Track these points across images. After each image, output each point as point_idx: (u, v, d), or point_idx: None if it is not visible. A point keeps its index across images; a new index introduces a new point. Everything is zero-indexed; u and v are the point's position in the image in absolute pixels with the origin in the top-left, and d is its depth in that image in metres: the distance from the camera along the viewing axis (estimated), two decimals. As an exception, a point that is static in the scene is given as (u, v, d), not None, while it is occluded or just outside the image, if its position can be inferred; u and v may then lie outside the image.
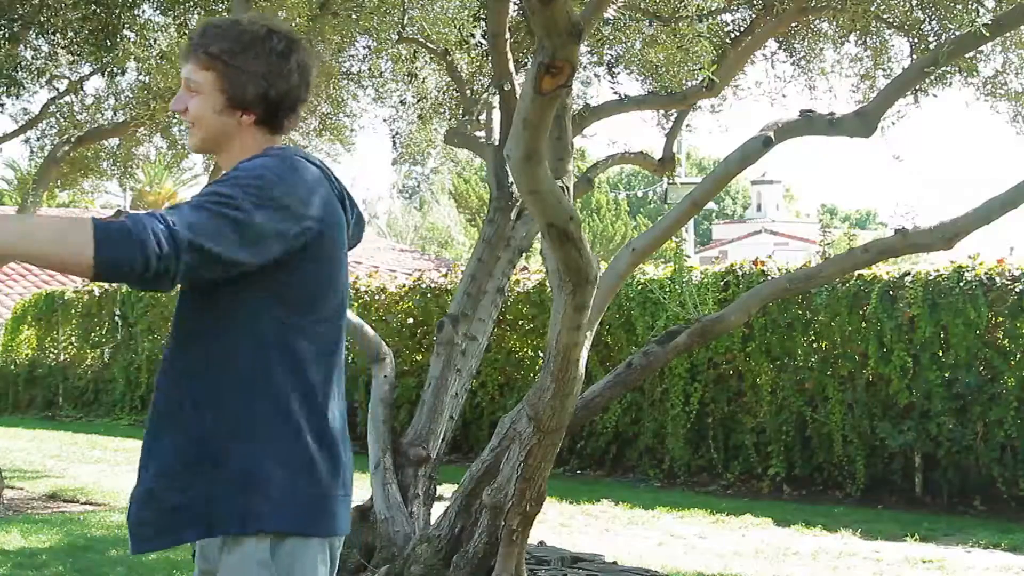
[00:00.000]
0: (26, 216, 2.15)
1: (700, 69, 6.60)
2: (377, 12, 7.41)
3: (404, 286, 12.19)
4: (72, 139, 9.51)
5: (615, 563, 6.28)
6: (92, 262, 1.98)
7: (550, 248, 4.13)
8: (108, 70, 8.59)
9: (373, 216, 43.56)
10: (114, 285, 16.36)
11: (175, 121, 9.49)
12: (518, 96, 4.26)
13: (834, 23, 7.02)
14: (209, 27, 2.35)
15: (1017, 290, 8.69)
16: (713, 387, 10.26)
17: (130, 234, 2.00)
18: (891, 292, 9.20)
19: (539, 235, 5.05)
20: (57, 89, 9.45)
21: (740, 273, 10.14)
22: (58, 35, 7.89)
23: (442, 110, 8.40)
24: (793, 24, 7.09)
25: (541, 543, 6.62)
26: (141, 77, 9.03)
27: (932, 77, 6.47)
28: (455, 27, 6.96)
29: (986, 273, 8.84)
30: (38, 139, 9.78)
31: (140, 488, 2.29)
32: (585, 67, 7.42)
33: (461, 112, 7.64)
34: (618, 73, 7.48)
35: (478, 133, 7.23)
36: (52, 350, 16.87)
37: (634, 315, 10.48)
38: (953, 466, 8.97)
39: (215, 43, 2.31)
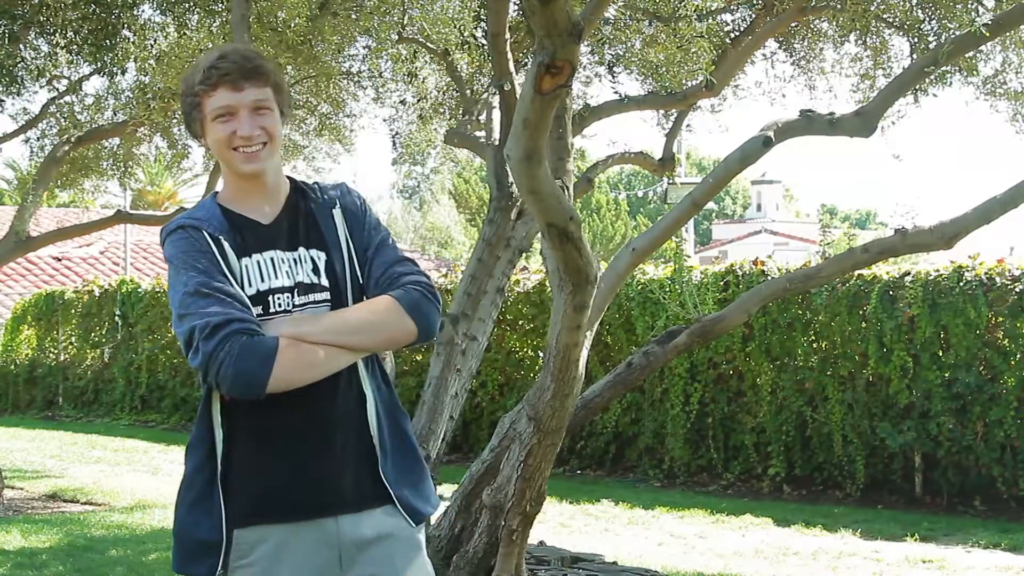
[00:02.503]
0: (336, 316, 2.40)
1: (700, 69, 6.60)
2: (377, 12, 7.40)
3: (404, 286, 12.16)
4: (72, 139, 9.50)
5: (615, 563, 6.28)
6: (416, 331, 2.38)
7: (550, 248, 4.13)
8: (108, 70, 8.57)
9: (373, 216, 43.46)
10: (114, 284, 16.37)
11: (175, 121, 9.47)
12: (518, 96, 4.25)
13: (834, 23, 7.01)
14: (243, 51, 2.46)
15: (1017, 290, 8.69)
16: (713, 387, 10.26)
17: (431, 297, 2.42)
18: (891, 292, 9.20)
19: (539, 235, 5.05)
20: (57, 89, 9.44)
21: (740, 273, 10.14)
22: (58, 35, 7.88)
23: (442, 110, 8.39)
24: (793, 24, 7.09)
25: (541, 543, 6.62)
26: (141, 77, 9.02)
27: (932, 77, 6.47)
28: (455, 27, 6.95)
29: (986, 273, 8.84)
30: (38, 139, 9.77)
31: None
32: (585, 67, 7.42)
33: (461, 112, 7.64)
34: (618, 73, 7.48)
35: (478, 133, 7.23)
36: (52, 350, 16.86)
37: (634, 315, 10.48)
38: (953, 466, 8.97)
39: (264, 63, 2.44)
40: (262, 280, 2.39)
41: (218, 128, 2.41)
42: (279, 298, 2.38)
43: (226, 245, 2.38)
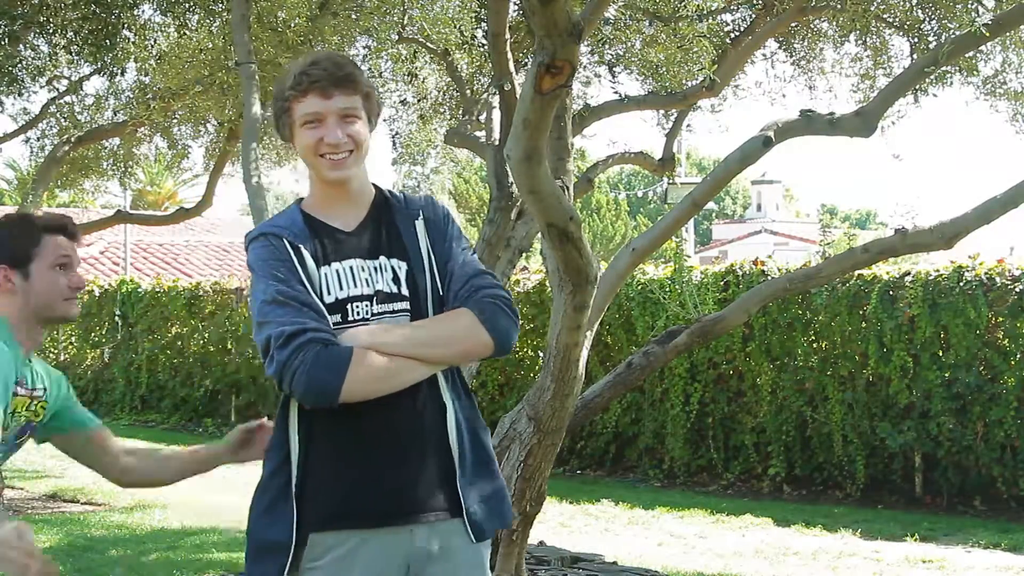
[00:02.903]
0: (413, 327, 2.40)
1: (700, 69, 6.60)
2: (377, 12, 7.40)
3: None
4: (72, 139, 9.51)
5: (615, 563, 6.28)
6: (492, 344, 2.40)
7: (550, 248, 4.13)
8: (108, 70, 8.58)
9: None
10: (114, 284, 16.36)
11: (175, 121, 9.48)
12: (518, 96, 4.25)
13: (834, 23, 7.01)
14: (335, 59, 2.47)
15: (1017, 290, 8.69)
16: (713, 387, 10.26)
17: (509, 311, 2.43)
18: (891, 292, 9.20)
19: (539, 235, 5.05)
20: (57, 89, 9.44)
21: (740, 273, 10.14)
22: (58, 35, 7.88)
23: (442, 110, 8.40)
24: (793, 24, 7.09)
25: (541, 543, 6.62)
26: (141, 77, 9.02)
27: (932, 77, 6.46)
28: (455, 27, 6.95)
29: (986, 273, 8.84)
30: (38, 139, 9.77)
31: None
32: (585, 67, 7.42)
33: (461, 112, 7.64)
34: (618, 73, 7.48)
35: (478, 133, 7.23)
36: (52, 350, 16.86)
37: (634, 315, 10.48)
38: (953, 466, 8.97)
39: (355, 71, 2.46)
40: (341, 288, 2.40)
41: (306, 134, 2.43)
42: (358, 306, 2.39)
43: (306, 253, 2.40)
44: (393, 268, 2.45)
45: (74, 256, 2.77)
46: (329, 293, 2.39)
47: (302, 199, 2.55)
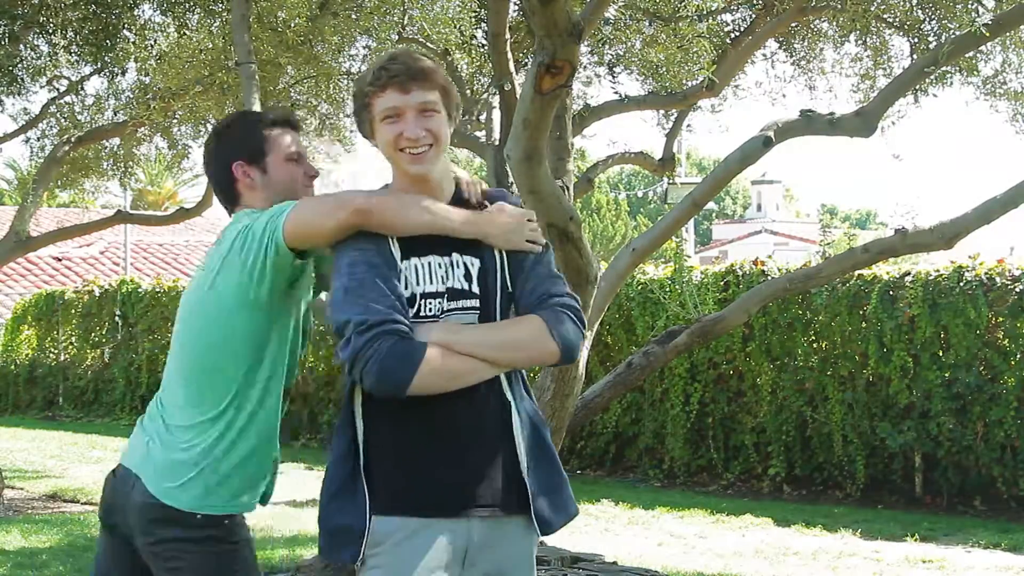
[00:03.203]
0: (485, 330, 2.45)
1: (700, 69, 6.60)
2: (377, 12, 7.40)
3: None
4: (72, 139, 9.50)
5: (615, 563, 6.28)
6: (558, 354, 2.44)
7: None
8: (108, 70, 8.57)
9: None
10: (114, 284, 16.36)
11: (175, 121, 9.47)
12: (518, 96, 4.25)
13: (834, 23, 7.02)
14: (412, 54, 2.51)
15: (1017, 290, 8.69)
16: (713, 387, 10.26)
17: (578, 321, 2.47)
18: (891, 292, 9.20)
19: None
20: (57, 89, 9.43)
21: (740, 273, 10.14)
22: (58, 35, 7.88)
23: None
24: (793, 24, 7.09)
25: (541, 543, 6.61)
26: (141, 77, 9.01)
27: (932, 77, 6.47)
28: (455, 27, 6.95)
29: (986, 273, 8.84)
30: (38, 139, 9.76)
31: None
32: (585, 67, 7.43)
33: (461, 112, 7.63)
34: (618, 73, 7.49)
35: (478, 133, 7.23)
36: (52, 350, 16.86)
37: (634, 315, 10.48)
38: (953, 466, 8.97)
39: (432, 66, 2.49)
40: (417, 283, 2.43)
41: (385, 129, 2.46)
42: (430, 303, 2.43)
43: (394, 246, 2.43)
44: (466, 264, 2.48)
45: (302, 147, 2.85)
46: (407, 288, 2.42)
47: (386, 185, 2.59)
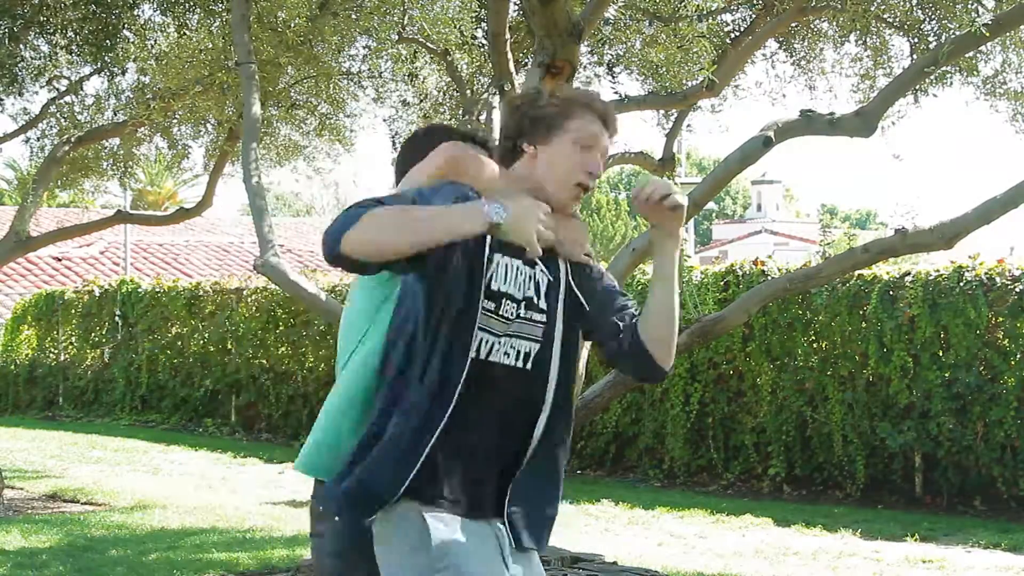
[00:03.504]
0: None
1: (700, 69, 6.60)
2: (377, 12, 7.41)
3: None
4: (72, 139, 9.50)
5: (615, 563, 6.28)
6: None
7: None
8: (108, 70, 8.58)
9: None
10: (114, 284, 16.36)
11: (175, 121, 9.48)
12: (518, 96, 4.25)
13: (834, 23, 7.02)
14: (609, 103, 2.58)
15: (1017, 290, 8.69)
16: (713, 387, 10.26)
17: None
18: (891, 292, 9.20)
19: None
20: (57, 89, 9.43)
21: (740, 273, 10.14)
22: (58, 35, 7.88)
23: (442, 110, 8.40)
24: (793, 24, 7.09)
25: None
26: (141, 77, 9.02)
27: (932, 77, 6.47)
28: (455, 27, 6.95)
29: (986, 273, 8.84)
30: (38, 139, 9.76)
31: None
32: (585, 67, 7.43)
33: (461, 112, 7.64)
34: (618, 73, 7.49)
35: (478, 133, 7.21)
36: (52, 350, 16.86)
37: (634, 315, 10.47)
38: (953, 466, 8.97)
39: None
40: (505, 281, 2.41)
41: (575, 152, 2.45)
42: (509, 305, 2.42)
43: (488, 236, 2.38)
44: (537, 279, 2.47)
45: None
46: (495, 280, 2.39)
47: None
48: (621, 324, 2.50)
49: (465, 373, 2.34)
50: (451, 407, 2.34)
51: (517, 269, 2.42)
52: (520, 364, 2.43)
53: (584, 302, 2.51)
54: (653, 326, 2.46)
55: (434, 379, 2.35)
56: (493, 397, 2.39)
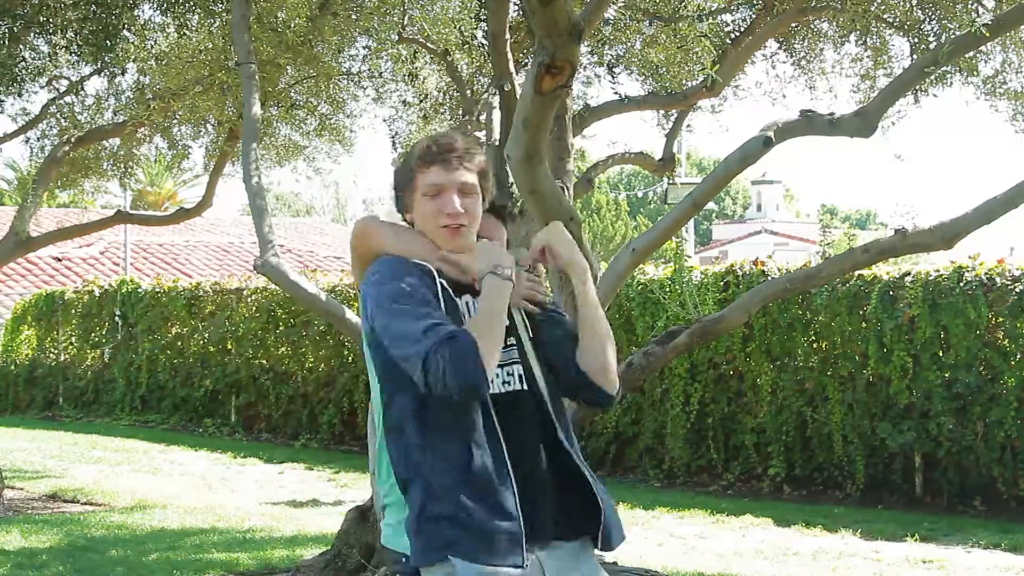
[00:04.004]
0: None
1: (700, 69, 6.61)
2: (377, 12, 7.41)
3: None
4: (72, 139, 9.50)
5: (615, 563, 6.28)
6: None
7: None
8: (108, 70, 8.58)
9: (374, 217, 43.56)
10: (114, 284, 16.36)
11: (175, 121, 9.48)
12: (518, 96, 4.25)
13: (834, 23, 7.02)
14: (456, 136, 2.69)
15: (1017, 290, 8.69)
16: (713, 387, 10.25)
17: None
18: (891, 292, 9.20)
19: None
20: (57, 89, 9.44)
21: (740, 273, 10.14)
22: (58, 35, 7.89)
23: (442, 110, 8.40)
24: (793, 24, 7.09)
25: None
26: (141, 77, 9.02)
27: (932, 77, 6.47)
28: (455, 27, 6.95)
29: (986, 273, 8.83)
30: (38, 139, 9.77)
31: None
32: (585, 67, 7.43)
33: (461, 112, 7.64)
34: (618, 73, 7.49)
35: (478, 133, 7.23)
36: (52, 350, 16.86)
37: (634, 315, 10.48)
38: (953, 466, 8.96)
39: (477, 149, 2.66)
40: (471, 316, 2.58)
41: (427, 204, 2.60)
42: None
43: (443, 281, 2.57)
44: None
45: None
46: (469, 316, 2.55)
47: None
48: (569, 360, 2.65)
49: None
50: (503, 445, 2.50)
51: (475, 304, 2.58)
52: (521, 386, 2.59)
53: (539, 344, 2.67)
54: (588, 360, 2.63)
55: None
56: (521, 425, 2.55)
